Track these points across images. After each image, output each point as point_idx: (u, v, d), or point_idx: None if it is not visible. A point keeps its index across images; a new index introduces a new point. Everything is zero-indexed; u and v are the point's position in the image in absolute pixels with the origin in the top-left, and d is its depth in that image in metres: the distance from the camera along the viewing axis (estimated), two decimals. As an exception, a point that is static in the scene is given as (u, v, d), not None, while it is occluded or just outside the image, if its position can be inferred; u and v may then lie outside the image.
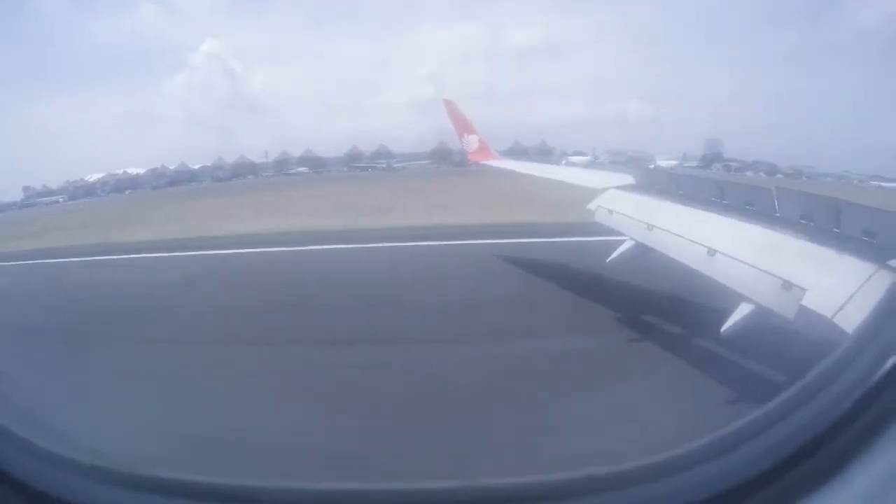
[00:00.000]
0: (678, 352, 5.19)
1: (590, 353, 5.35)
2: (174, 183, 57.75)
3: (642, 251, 5.81)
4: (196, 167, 65.88)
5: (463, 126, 11.69)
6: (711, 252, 4.49)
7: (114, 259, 13.26)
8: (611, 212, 6.56)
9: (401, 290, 8.13)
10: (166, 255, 13.10)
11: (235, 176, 62.17)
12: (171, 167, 65.34)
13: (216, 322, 7.49)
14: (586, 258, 7.56)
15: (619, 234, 6.27)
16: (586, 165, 28.32)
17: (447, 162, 49.64)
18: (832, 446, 1.11)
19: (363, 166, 60.86)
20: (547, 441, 3.69)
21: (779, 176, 44.46)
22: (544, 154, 53.88)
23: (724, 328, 4.04)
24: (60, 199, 52.96)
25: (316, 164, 64.55)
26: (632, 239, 6.00)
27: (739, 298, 4.03)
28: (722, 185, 5.46)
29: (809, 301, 3.38)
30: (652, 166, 31.59)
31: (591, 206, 6.98)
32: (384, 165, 58.53)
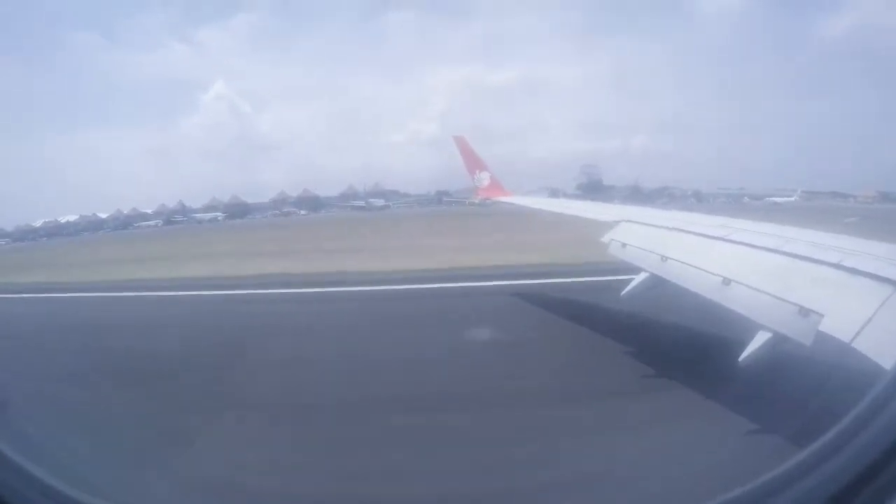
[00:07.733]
0: (698, 386, 5.08)
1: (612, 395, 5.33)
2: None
3: (657, 283, 5.81)
4: (104, 216, 70.36)
5: (474, 163, 11.84)
6: (726, 281, 4.49)
7: None
8: (624, 245, 6.62)
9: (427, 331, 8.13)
10: None
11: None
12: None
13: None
14: (600, 292, 7.54)
15: (633, 266, 6.29)
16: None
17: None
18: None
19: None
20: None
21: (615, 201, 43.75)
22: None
23: (741, 357, 4.00)
24: (3, 243, 55.11)
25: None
26: (646, 271, 6.01)
27: (756, 327, 4.01)
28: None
29: (827, 326, 3.37)
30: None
31: (605, 239, 7.07)
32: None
